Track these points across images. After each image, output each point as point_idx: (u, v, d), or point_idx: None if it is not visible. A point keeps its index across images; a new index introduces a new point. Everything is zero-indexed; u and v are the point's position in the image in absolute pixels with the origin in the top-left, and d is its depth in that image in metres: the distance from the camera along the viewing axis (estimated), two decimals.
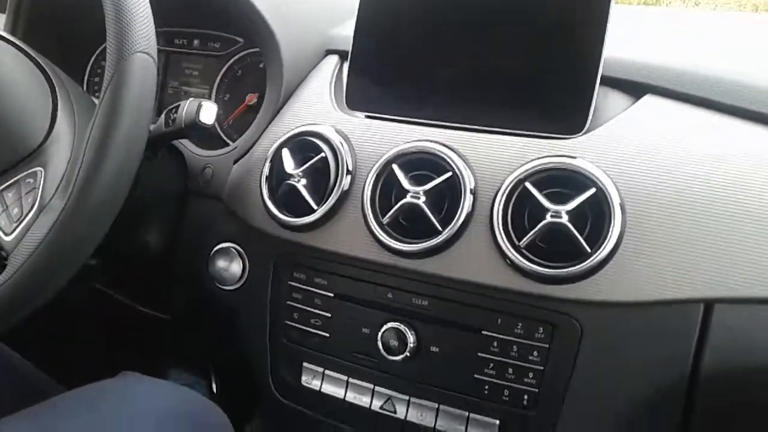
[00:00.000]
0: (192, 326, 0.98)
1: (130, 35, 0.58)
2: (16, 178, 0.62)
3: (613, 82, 0.69)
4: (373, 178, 0.69)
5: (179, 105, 0.73)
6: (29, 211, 0.60)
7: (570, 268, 0.60)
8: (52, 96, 0.67)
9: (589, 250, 0.60)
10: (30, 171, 0.63)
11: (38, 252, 0.56)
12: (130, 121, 0.58)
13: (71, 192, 0.57)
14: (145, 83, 0.60)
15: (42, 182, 0.62)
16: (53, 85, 0.68)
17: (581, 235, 0.60)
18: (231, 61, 0.95)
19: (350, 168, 0.71)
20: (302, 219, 0.71)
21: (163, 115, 0.74)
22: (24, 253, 0.57)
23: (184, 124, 0.72)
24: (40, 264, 0.57)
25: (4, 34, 0.70)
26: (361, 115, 0.76)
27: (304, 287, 0.74)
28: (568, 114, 0.66)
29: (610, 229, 0.60)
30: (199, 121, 0.72)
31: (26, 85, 0.66)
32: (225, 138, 0.93)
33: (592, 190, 0.61)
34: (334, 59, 0.84)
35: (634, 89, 0.68)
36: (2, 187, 0.62)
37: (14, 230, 0.60)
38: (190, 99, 0.73)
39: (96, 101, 0.73)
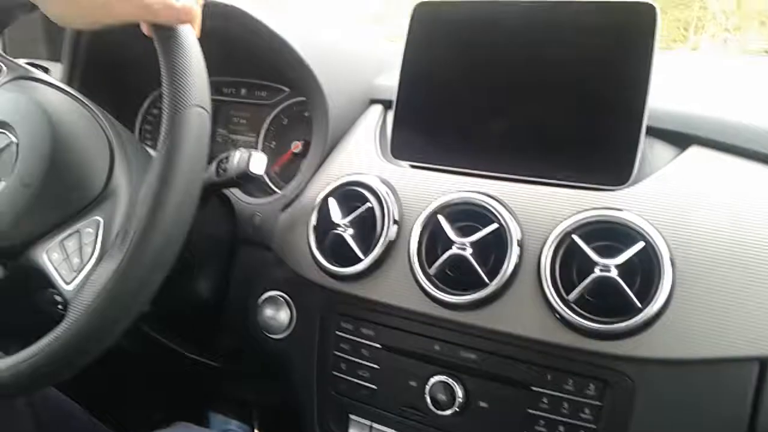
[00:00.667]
0: (239, 374, 0.99)
1: (185, 89, 0.60)
2: (76, 228, 0.64)
3: (659, 133, 0.69)
4: (420, 229, 0.70)
5: (230, 155, 0.76)
6: (89, 260, 0.62)
7: (620, 324, 0.60)
8: (110, 147, 0.70)
9: (639, 305, 0.59)
10: (89, 220, 0.65)
11: (98, 300, 0.58)
12: (186, 172, 0.60)
13: (130, 242, 0.58)
14: (200, 136, 0.61)
15: (101, 232, 0.64)
16: (110, 136, 0.70)
17: (631, 289, 0.60)
18: (277, 110, 0.98)
19: (396, 218, 0.72)
20: (349, 269, 0.72)
21: (214, 165, 0.77)
22: (84, 301, 0.59)
23: (236, 174, 0.74)
24: (100, 312, 0.58)
25: (64, 86, 0.73)
26: (406, 164, 0.77)
27: (352, 337, 0.75)
28: (614, 165, 0.66)
29: (661, 284, 0.59)
30: (250, 171, 0.74)
31: (86, 138, 0.69)
32: (271, 185, 0.95)
33: (641, 244, 0.60)
34: (378, 109, 0.86)
35: (680, 140, 0.68)
36: (63, 236, 0.64)
37: (75, 279, 0.62)
38: (241, 149, 0.75)
39: (150, 151, 0.76)
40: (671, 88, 0.75)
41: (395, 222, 0.72)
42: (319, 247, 0.75)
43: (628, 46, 0.66)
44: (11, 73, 0.73)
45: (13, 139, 0.67)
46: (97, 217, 0.65)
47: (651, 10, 0.66)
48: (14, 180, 0.65)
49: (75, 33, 0.97)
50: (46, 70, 0.77)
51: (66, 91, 0.72)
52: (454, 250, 0.67)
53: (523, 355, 0.65)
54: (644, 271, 0.61)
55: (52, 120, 0.67)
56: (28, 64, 0.77)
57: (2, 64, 0.74)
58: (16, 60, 0.76)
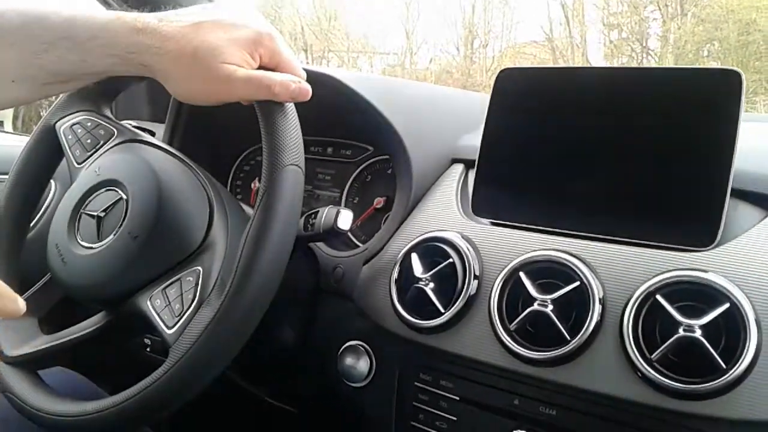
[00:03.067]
0: (318, 421, 1.01)
1: (283, 150, 0.65)
2: (178, 277, 0.69)
3: (744, 195, 0.69)
4: (500, 285, 0.71)
5: (318, 211, 0.80)
6: (189, 307, 0.66)
7: (705, 384, 0.59)
8: (209, 203, 0.74)
9: (724, 366, 0.59)
10: (190, 270, 0.69)
11: (198, 344, 0.62)
12: (282, 227, 0.64)
13: (228, 291, 0.63)
14: (295, 193, 0.66)
15: (201, 280, 0.68)
16: (209, 193, 0.75)
17: (715, 350, 0.60)
18: (361, 167, 1.02)
19: (477, 273, 0.74)
20: (430, 322, 0.74)
21: (302, 220, 0.81)
22: (185, 345, 0.63)
23: (323, 229, 0.78)
24: (199, 355, 0.62)
25: (168, 147, 0.79)
26: (487, 221, 0.79)
27: (431, 389, 0.76)
28: (698, 227, 0.67)
29: (746, 345, 0.59)
30: (337, 227, 0.78)
31: (188, 194, 0.73)
32: (353, 239, 0.99)
33: (726, 305, 0.60)
34: (459, 167, 0.88)
35: (765, 202, 0.68)
36: (166, 284, 0.69)
37: (176, 324, 0.65)
38: (329, 206, 0.80)
39: (243, 206, 0.81)
40: (756, 149, 0.75)
41: (476, 277, 0.74)
42: (400, 300, 0.77)
43: (714, 112, 0.68)
44: (121, 136, 0.79)
45: (124, 196, 0.72)
46: (197, 267, 0.69)
47: (736, 76, 0.67)
48: (123, 233, 0.70)
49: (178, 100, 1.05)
50: (152, 133, 0.83)
51: (170, 152, 0.77)
52: (535, 306, 0.68)
53: (603, 412, 0.65)
54: (729, 332, 0.60)
55: (159, 178, 0.72)
56: (136, 127, 0.83)
57: (114, 128, 0.80)
58: (125, 123, 0.83)
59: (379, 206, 0.98)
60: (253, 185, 1.12)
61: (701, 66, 0.70)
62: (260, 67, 0.67)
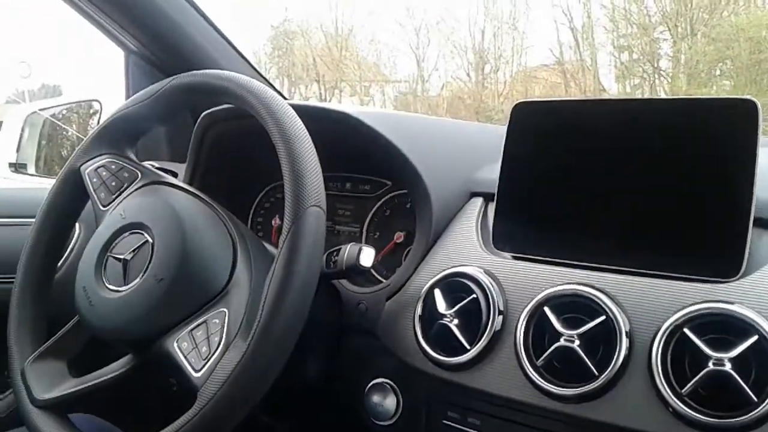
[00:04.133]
0: None
1: (305, 192, 0.66)
2: (204, 319, 0.69)
3: (767, 224, 0.69)
4: (525, 320, 0.71)
5: (340, 248, 0.80)
6: (216, 349, 0.66)
7: (737, 419, 0.59)
8: (233, 243, 0.75)
9: (756, 400, 0.58)
10: (216, 311, 0.69)
11: (225, 387, 0.62)
12: (306, 268, 0.65)
13: (254, 332, 0.63)
14: (318, 233, 0.67)
15: (227, 322, 0.68)
16: (232, 233, 0.76)
17: (746, 383, 0.59)
18: (380, 202, 1.03)
19: (501, 308, 0.74)
20: (456, 358, 0.74)
21: (324, 257, 0.81)
22: (212, 388, 0.63)
23: (345, 266, 0.79)
24: (226, 398, 0.62)
25: (192, 189, 0.80)
26: (508, 255, 0.79)
27: (458, 426, 0.76)
28: (722, 258, 0.66)
29: None
30: (360, 264, 0.78)
31: (212, 236, 0.74)
32: (375, 274, 0.99)
33: (755, 338, 0.60)
34: (479, 201, 0.89)
35: None
36: (193, 326, 0.69)
37: (203, 367, 0.66)
38: (351, 243, 0.80)
39: (267, 246, 0.81)
40: None
41: (500, 312, 0.73)
42: (425, 337, 0.77)
43: (731, 142, 0.68)
44: (145, 179, 0.81)
45: (149, 239, 0.74)
46: (223, 309, 0.69)
47: (752, 106, 0.67)
48: (149, 276, 0.71)
49: (199, 140, 1.06)
50: (174, 174, 0.84)
51: (193, 192, 0.79)
52: (561, 342, 0.68)
53: None
54: (759, 364, 0.60)
55: (183, 221, 0.73)
56: (159, 168, 0.85)
57: (138, 171, 0.82)
58: (147, 165, 0.84)
59: (399, 241, 0.99)
60: (274, 222, 1.13)
61: (716, 96, 0.70)
62: None
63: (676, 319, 0.64)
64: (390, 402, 0.82)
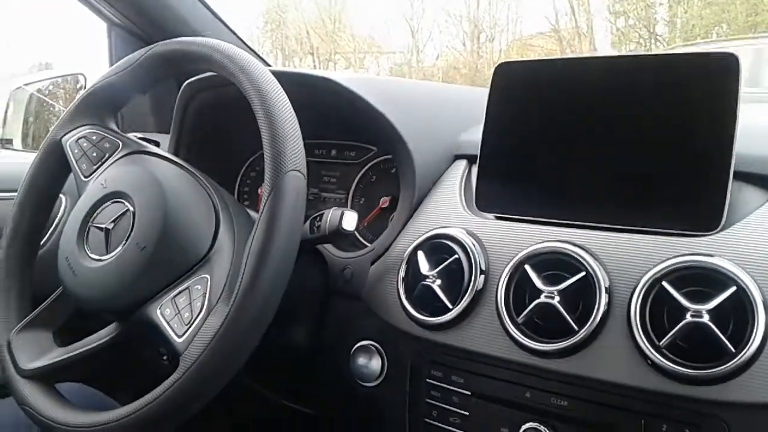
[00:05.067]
0: (334, 421, 1.01)
1: (284, 156, 0.66)
2: (186, 285, 0.69)
3: (747, 177, 0.69)
4: (506, 279, 0.71)
5: (323, 213, 0.80)
6: (198, 315, 0.66)
7: (715, 369, 0.59)
8: (215, 210, 0.75)
9: (733, 350, 0.59)
10: (198, 278, 0.70)
11: (208, 351, 0.63)
12: (286, 232, 0.65)
13: (236, 296, 0.63)
14: (298, 197, 0.66)
15: (209, 288, 0.69)
16: (215, 200, 0.76)
17: (724, 334, 0.60)
18: (365, 168, 1.02)
19: (483, 268, 0.74)
20: (438, 318, 0.74)
21: (308, 223, 0.81)
22: (195, 352, 0.63)
23: (328, 231, 0.79)
24: (209, 362, 0.63)
25: (173, 157, 0.80)
26: (491, 216, 0.79)
27: (442, 385, 0.76)
28: (702, 211, 0.66)
29: (755, 329, 0.58)
30: (342, 228, 0.78)
31: (194, 203, 0.74)
32: (361, 239, 0.99)
33: (733, 289, 0.60)
34: (462, 164, 0.89)
35: None
36: (175, 293, 0.69)
37: (186, 332, 0.66)
38: (333, 208, 0.80)
39: (249, 212, 0.81)
40: (759, 129, 0.75)
41: (482, 272, 0.74)
42: (408, 298, 0.78)
43: (713, 96, 0.67)
44: (126, 148, 0.80)
45: (130, 207, 0.73)
46: (205, 275, 0.69)
47: (734, 59, 0.67)
48: (131, 244, 0.71)
49: (182, 110, 1.06)
50: (157, 143, 0.84)
51: (175, 161, 0.78)
52: (542, 299, 0.68)
53: (615, 401, 0.65)
54: (737, 316, 0.60)
55: (164, 189, 0.73)
56: (141, 138, 0.84)
57: (119, 141, 0.81)
58: (129, 135, 0.84)
59: (385, 206, 0.99)
60: (260, 191, 1.13)
61: (698, 51, 0.69)
62: None
63: (655, 273, 0.64)
64: (375, 363, 0.82)
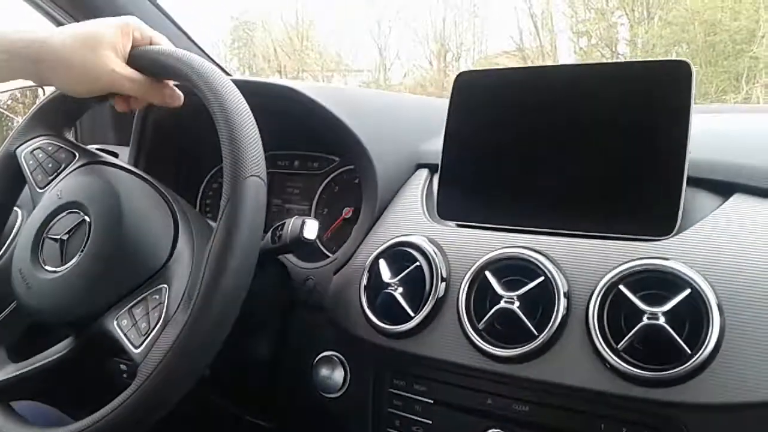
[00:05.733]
0: None
1: (243, 161, 0.65)
2: (143, 296, 0.68)
3: (700, 183, 0.70)
4: (467, 285, 0.72)
5: (284, 223, 0.80)
6: (155, 325, 0.65)
7: (671, 371, 0.60)
8: (174, 220, 0.74)
9: (689, 352, 0.60)
10: (155, 288, 0.68)
11: (165, 362, 0.61)
12: (245, 240, 0.64)
13: (193, 306, 0.62)
14: (257, 204, 0.66)
15: (167, 298, 0.67)
16: (174, 211, 0.75)
17: (680, 336, 0.60)
18: (328, 179, 1.02)
19: (444, 275, 0.74)
20: (400, 326, 0.74)
21: (269, 233, 0.81)
22: (152, 363, 0.62)
23: (289, 240, 0.78)
24: (166, 373, 0.62)
25: (131, 168, 0.79)
26: (452, 224, 0.80)
27: (405, 393, 0.76)
28: (657, 217, 0.67)
29: (710, 330, 0.59)
30: (303, 237, 0.78)
31: (152, 213, 0.73)
32: (324, 250, 0.99)
33: (687, 291, 0.61)
34: (424, 173, 0.89)
35: (722, 189, 0.69)
36: (132, 304, 0.68)
37: (142, 343, 0.65)
38: (295, 217, 0.79)
39: (210, 222, 0.80)
40: (710, 137, 0.76)
41: (443, 279, 0.74)
42: (370, 307, 0.77)
43: (666, 103, 0.69)
44: (83, 159, 0.79)
45: (86, 218, 0.72)
46: (163, 285, 0.68)
47: (686, 66, 0.69)
48: (87, 255, 0.70)
49: (141, 120, 1.05)
50: (115, 154, 0.83)
51: (133, 172, 0.77)
52: (502, 304, 0.68)
53: (575, 405, 0.66)
54: (692, 319, 0.61)
55: (121, 199, 0.72)
56: (99, 149, 0.83)
57: (75, 151, 0.80)
58: (87, 146, 0.83)
59: (348, 216, 0.99)
60: (221, 202, 1.11)
61: (652, 59, 0.71)
62: (135, 46, 0.74)
63: (612, 277, 0.64)
64: (338, 374, 0.82)
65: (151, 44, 0.76)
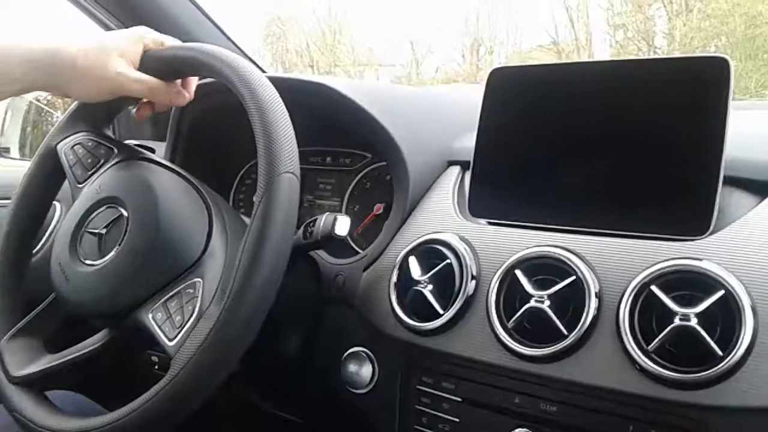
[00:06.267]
0: (324, 429, 1.01)
1: (278, 158, 0.66)
2: (178, 289, 0.69)
3: (737, 182, 0.69)
4: (497, 283, 0.72)
5: (316, 219, 0.81)
6: (189, 318, 0.67)
7: (702, 373, 0.59)
8: (208, 216, 0.75)
9: (721, 354, 0.59)
10: (190, 282, 0.70)
11: (198, 355, 0.63)
12: (279, 235, 0.65)
13: (227, 300, 0.63)
14: (291, 200, 0.67)
15: (201, 292, 0.69)
16: (209, 206, 0.76)
17: (712, 338, 0.60)
18: (360, 175, 1.03)
19: (474, 273, 0.74)
20: (429, 324, 0.74)
21: (301, 228, 0.82)
22: (186, 356, 0.63)
23: (321, 236, 0.79)
24: (200, 366, 0.63)
25: (167, 163, 0.80)
26: (483, 221, 0.80)
27: (432, 391, 0.76)
28: (691, 216, 0.67)
29: (742, 333, 0.58)
30: (335, 233, 0.78)
31: (188, 208, 0.75)
32: (354, 246, 0.99)
33: (721, 293, 0.60)
34: (455, 170, 0.89)
35: (759, 189, 0.68)
36: (167, 297, 0.69)
37: (177, 336, 0.66)
38: (327, 213, 0.80)
39: (243, 217, 0.81)
40: (748, 135, 0.75)
41: (473, 277, 0.74)
42: (399, 304, 0.78)
43: (703, 100, 0.68)
44: (121, 155, 0.81)
45: (124, 212, 0.74)
46: (197, 279, 0.70)
47: (724, 63, 0.67)
48: (123, 249, 0.72)
49: (178, 117, 1.06)
50: (152, 150, 0.85)
51: (169, 167, 0.79)
52: (532, 303, 0.68)
53: (604, 406, 0.65)
54: (725, 320, 0.60)
55: (158, 194, 0.73)
56: (136, 145, 0.85)
57: (114, 147, 0.82)
58: (125, 142, 0.84)
59: (379, 212, 0.99)
60: (255, 198, 1.13)
61: (689, 55, 0.70)
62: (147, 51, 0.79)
63: (644, 277, 0.64)
64: (366, 370, 0.82)
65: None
